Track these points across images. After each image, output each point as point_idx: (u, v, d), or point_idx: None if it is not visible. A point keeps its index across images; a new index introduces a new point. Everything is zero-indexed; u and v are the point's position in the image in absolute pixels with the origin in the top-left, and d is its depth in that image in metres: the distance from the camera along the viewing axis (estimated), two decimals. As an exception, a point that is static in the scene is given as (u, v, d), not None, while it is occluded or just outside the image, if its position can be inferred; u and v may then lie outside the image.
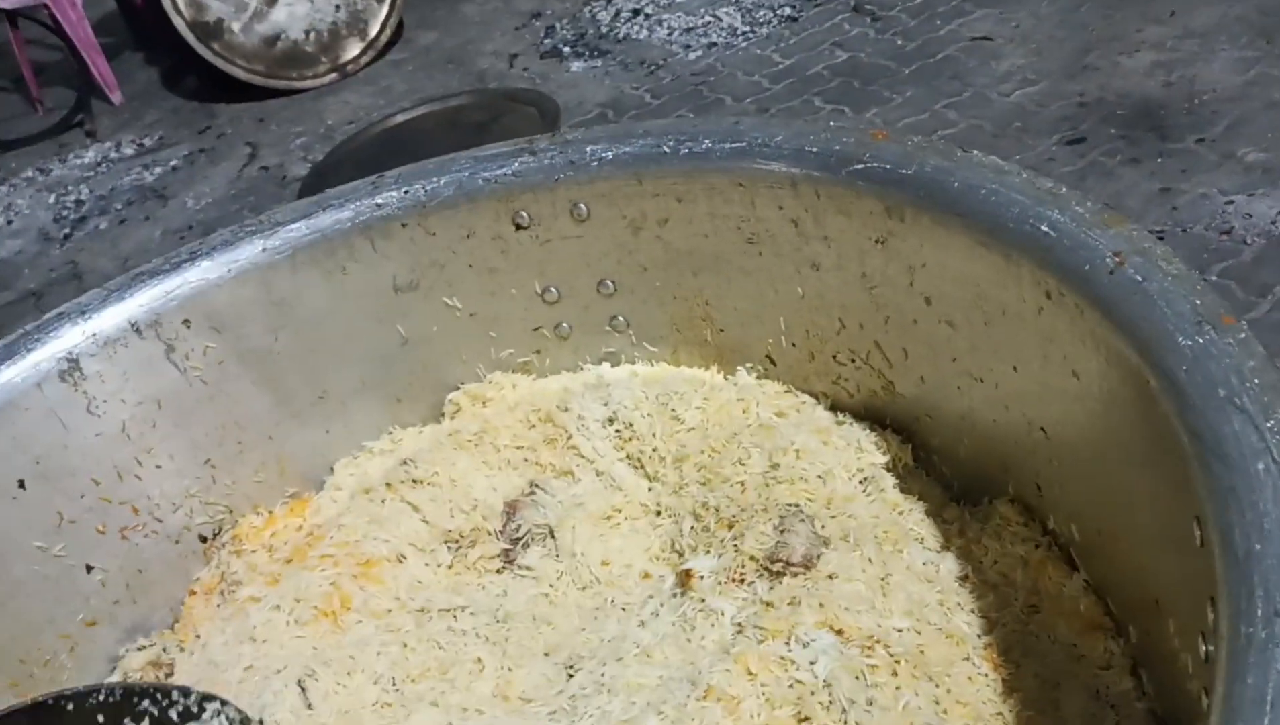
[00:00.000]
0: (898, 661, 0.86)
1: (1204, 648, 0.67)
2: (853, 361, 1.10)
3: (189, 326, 1.14)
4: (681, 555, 1.08)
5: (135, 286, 1.13)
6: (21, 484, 1.08)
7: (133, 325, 1.12)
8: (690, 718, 0.83)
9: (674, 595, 1.02)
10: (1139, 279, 0.74)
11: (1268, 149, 2.27)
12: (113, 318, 1.11)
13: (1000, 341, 0.92)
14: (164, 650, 1.12)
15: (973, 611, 0.94)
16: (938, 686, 0.85)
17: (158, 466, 1.18)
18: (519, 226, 1.17)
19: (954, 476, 1.06)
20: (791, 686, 0.85)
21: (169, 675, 1.09)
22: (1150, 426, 0.71)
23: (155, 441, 1.15)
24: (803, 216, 1.04)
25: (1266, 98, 2.42)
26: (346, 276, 1.18)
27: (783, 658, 0.87)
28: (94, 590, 1.16)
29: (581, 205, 1.15)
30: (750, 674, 0.86)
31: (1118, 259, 0.76)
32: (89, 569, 1.15)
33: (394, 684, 0.96)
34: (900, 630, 0.89)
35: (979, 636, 0.92)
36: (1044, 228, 0.82)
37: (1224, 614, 0.55)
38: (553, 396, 1.22)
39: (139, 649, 1.14)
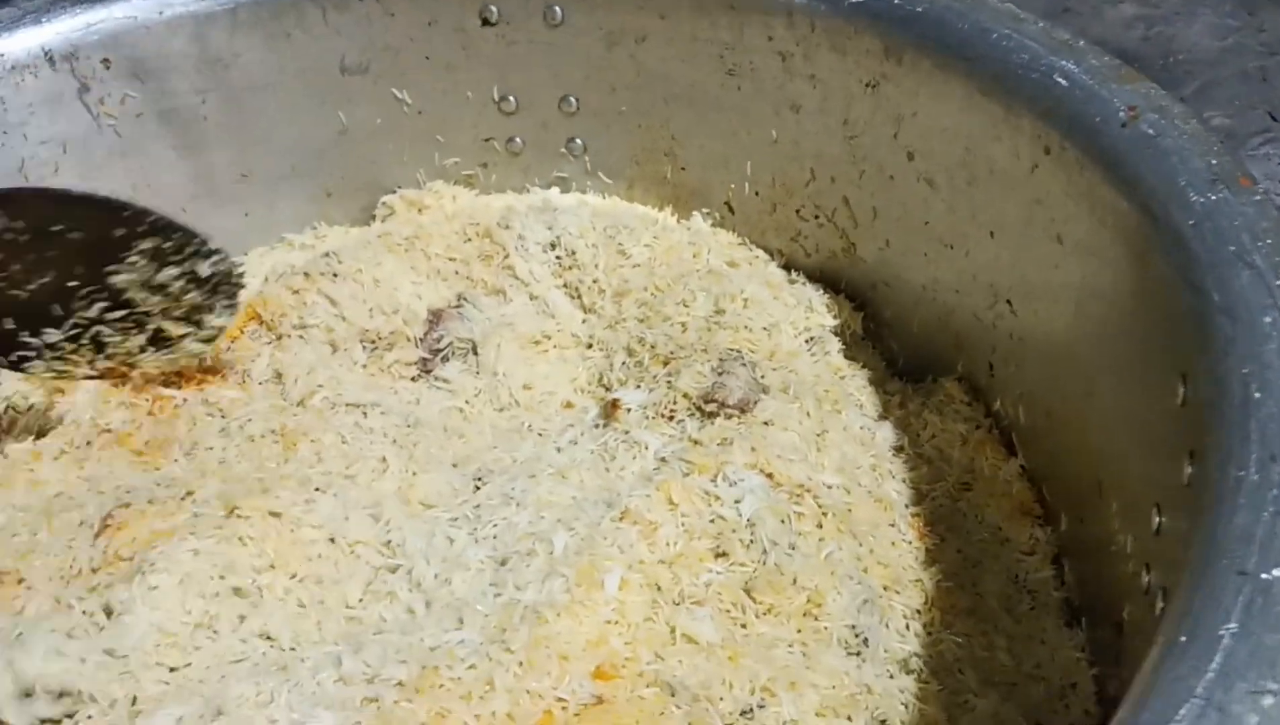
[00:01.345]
0: (824, 514, 0.82)
1: (1157, 519, 0.64)
2: (816, 218, 1.04)
3: (108, 67, 1.04)
4: (609, 389, 1.02)
5: (55, 12, 1.02)
6: None
7: (46, 53, 1.01)
8: (603, 536, 0.78)
9: (595, 426, 0.97)
10: (1152, 134, 0.70)
11: (1233, 115, 2.25)
12: (24, 41, 1.01)
13: (981, 204, 0.87)
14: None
15: (904, 481, 0.90)
16: (860, 544, 0.82)
17: (55, 218, 1.08)
18: (486, 22, 1.09)
19: (901, 351, 1.02)
20: (713, 521, 0.80)
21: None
22: (1139, 288, 0.67)
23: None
24: (792, 51, 0.97)
25: (1239, 65, 2.39)
26: (290, 45, 1.08)
27: (707, 492, 0.82)
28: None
29: (557, 8, 1.07)
30: (671, 503, 0.81)
31: (1131, 113, 0.72)
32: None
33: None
34: (830, 486, 0.85)
35: (907, 506, 0.88)
36: (1056, 77, 0.77)
37: (1211, 463, 0.51)
38: (494, 213, 1.14)
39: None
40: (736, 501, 0.81)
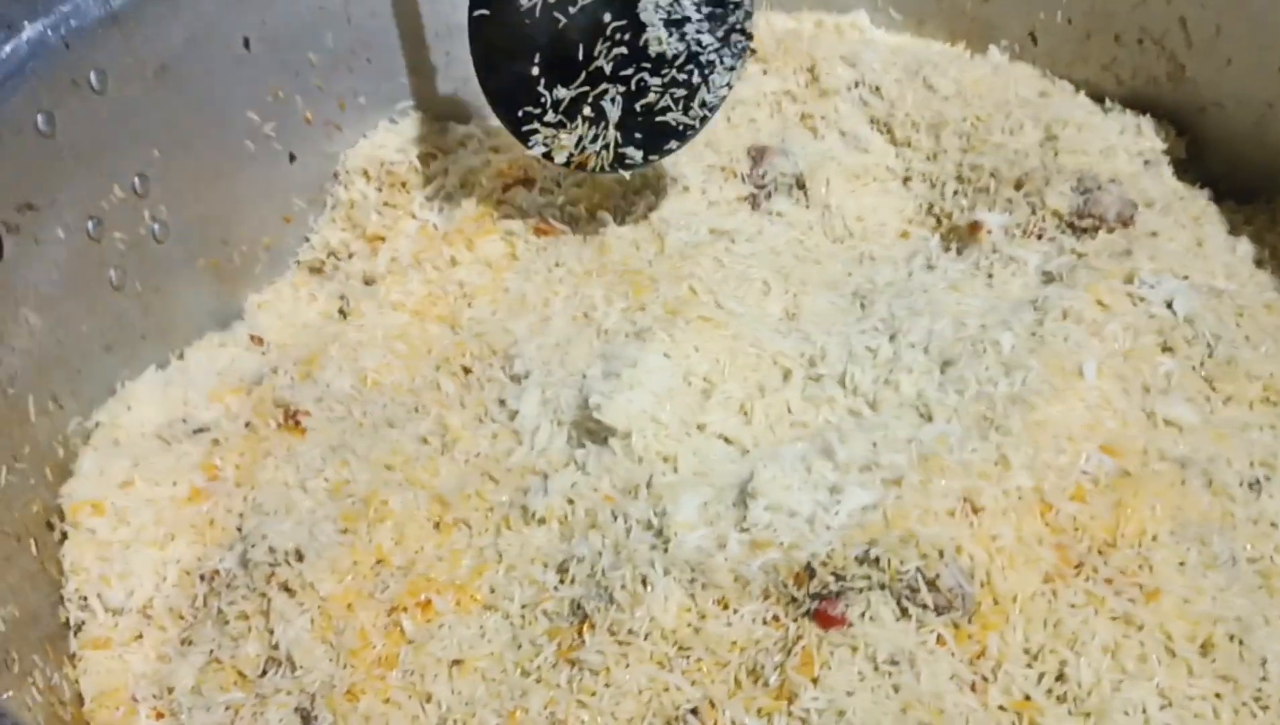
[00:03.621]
0: (1240, 313, 0.85)
1: None
2: (1140, 42, 1.05)
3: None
4: (940, 220, 1.04)
5: None
6: (246, 43, 0.97)
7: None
8: (1050, 334, 0.80)
9: (947, 250, 0.99)
10: None
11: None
12: None
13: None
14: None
15: (1275, 290, 0.92)
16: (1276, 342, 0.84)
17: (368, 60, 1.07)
18: None
19: (1226, 173, 1.03)
20: (1151, 317, 0.82)
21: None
22: None
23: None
24: None
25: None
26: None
27: (1131, 295, 0.84)
28: (294, 185, 1.06)
29: None
30: (1102, 305, 0.83)
31: None
32: (292, 158, 1.05)
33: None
34: (1226, 291, 0.87)
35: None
36: None
37: None
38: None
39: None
40: (1168, 302, 0.83)
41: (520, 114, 0.92)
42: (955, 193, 1.03)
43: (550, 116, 0.92)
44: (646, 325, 0.84)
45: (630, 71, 0.91)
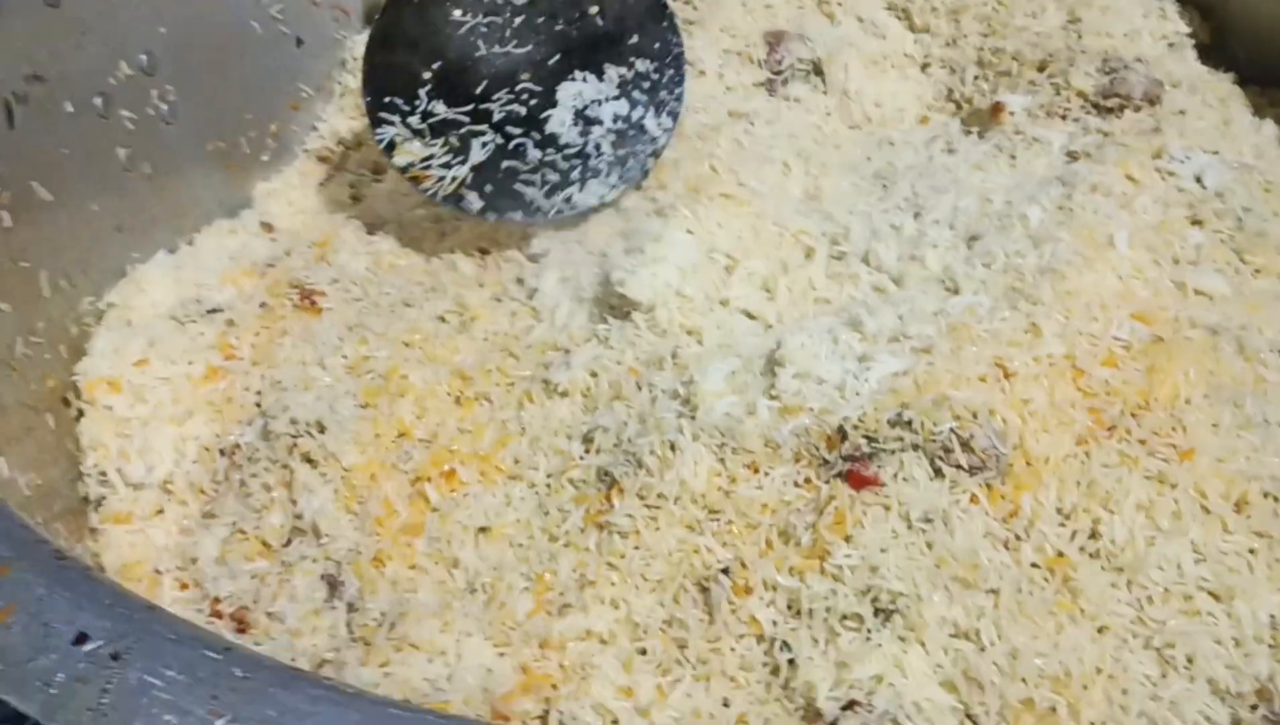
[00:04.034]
0: (1266, 189, 0.83)
1: None
2: (1166, -76, 1.02)
3: None
4: (959, 105, 1.02)
5: None
6: (252, -81, 0.94)
7: None
8: (1080, 206, 0.79)
9: (968, 133, 0.97)
10: None
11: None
12: None
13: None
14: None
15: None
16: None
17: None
18: None
19: (1250, 57, 1.02)
20: (1180, 191, 0.81)
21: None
22: None
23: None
24: None
25: None
26: None
27: (1160, 169, 0.83)
28: (301, 71, 1.04)
29: None
30: (1132, 179, 0.82)
31: None
32: (299, 43, 1.03)
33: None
34: (1255, 166, 0.86)
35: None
36: None
37: None
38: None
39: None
40: (1197, 177, 0.82)
41: (386, 100, 0.87)
42: (976, 78, 1.02)
43: (414, 121, 0.87)
44: (668, 202, 0.83)
45: (517, 132, 0.87)
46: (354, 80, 1.06)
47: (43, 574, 0.40)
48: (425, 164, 0.87)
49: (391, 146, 0.87)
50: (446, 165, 0.87)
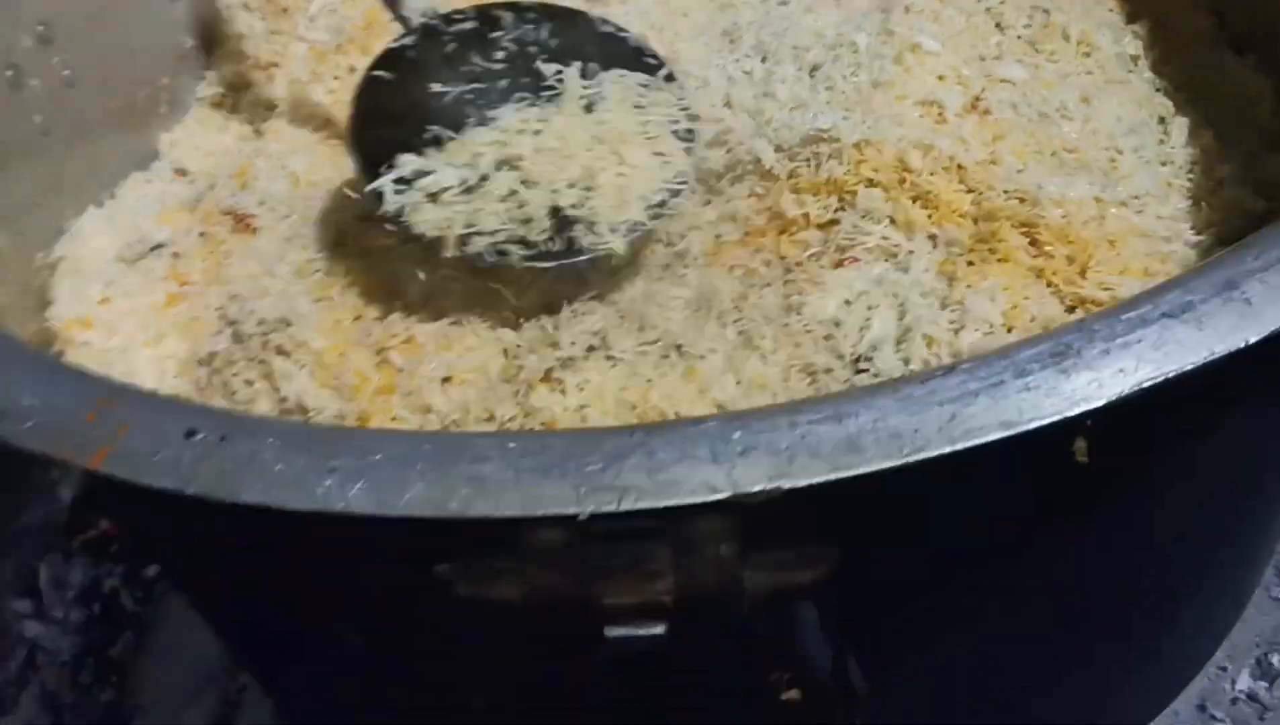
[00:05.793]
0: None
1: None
2: None
3: None
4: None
5: None
6: (112, -117, 1.01)
7: None
8: (896, 27, 0.93)
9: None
10: None
11: None
12: None
13: None
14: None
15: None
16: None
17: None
18: None
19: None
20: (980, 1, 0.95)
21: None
22: None
23: None
24: None
25: None
26: None
27: (960, -13, 0.97)
28: (180, 24, 1.11)
29: None
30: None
31: None
32: (172, -1, 1.10)
33: None
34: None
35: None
36: None
37: None
38: None
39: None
40: (997, -9, 0.96)
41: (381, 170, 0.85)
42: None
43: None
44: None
45: None
46: (230, 26, 1.13)
47: (140, 403, 0.50)
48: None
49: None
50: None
